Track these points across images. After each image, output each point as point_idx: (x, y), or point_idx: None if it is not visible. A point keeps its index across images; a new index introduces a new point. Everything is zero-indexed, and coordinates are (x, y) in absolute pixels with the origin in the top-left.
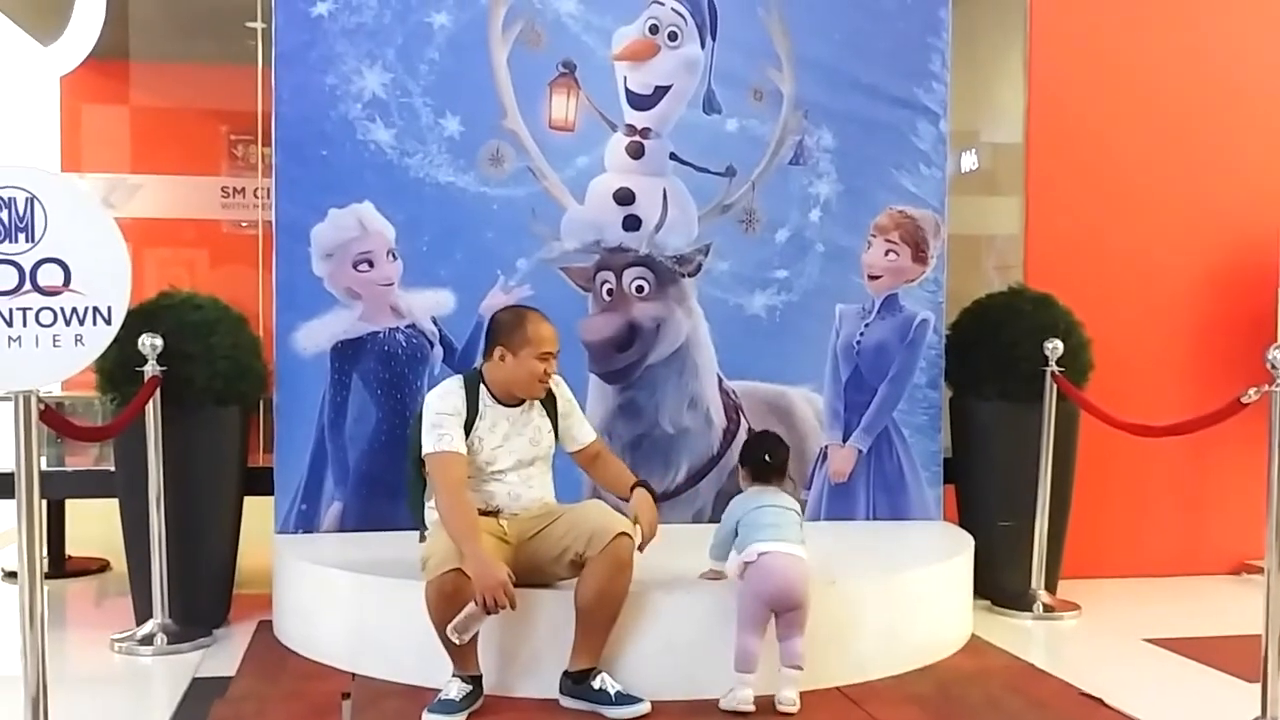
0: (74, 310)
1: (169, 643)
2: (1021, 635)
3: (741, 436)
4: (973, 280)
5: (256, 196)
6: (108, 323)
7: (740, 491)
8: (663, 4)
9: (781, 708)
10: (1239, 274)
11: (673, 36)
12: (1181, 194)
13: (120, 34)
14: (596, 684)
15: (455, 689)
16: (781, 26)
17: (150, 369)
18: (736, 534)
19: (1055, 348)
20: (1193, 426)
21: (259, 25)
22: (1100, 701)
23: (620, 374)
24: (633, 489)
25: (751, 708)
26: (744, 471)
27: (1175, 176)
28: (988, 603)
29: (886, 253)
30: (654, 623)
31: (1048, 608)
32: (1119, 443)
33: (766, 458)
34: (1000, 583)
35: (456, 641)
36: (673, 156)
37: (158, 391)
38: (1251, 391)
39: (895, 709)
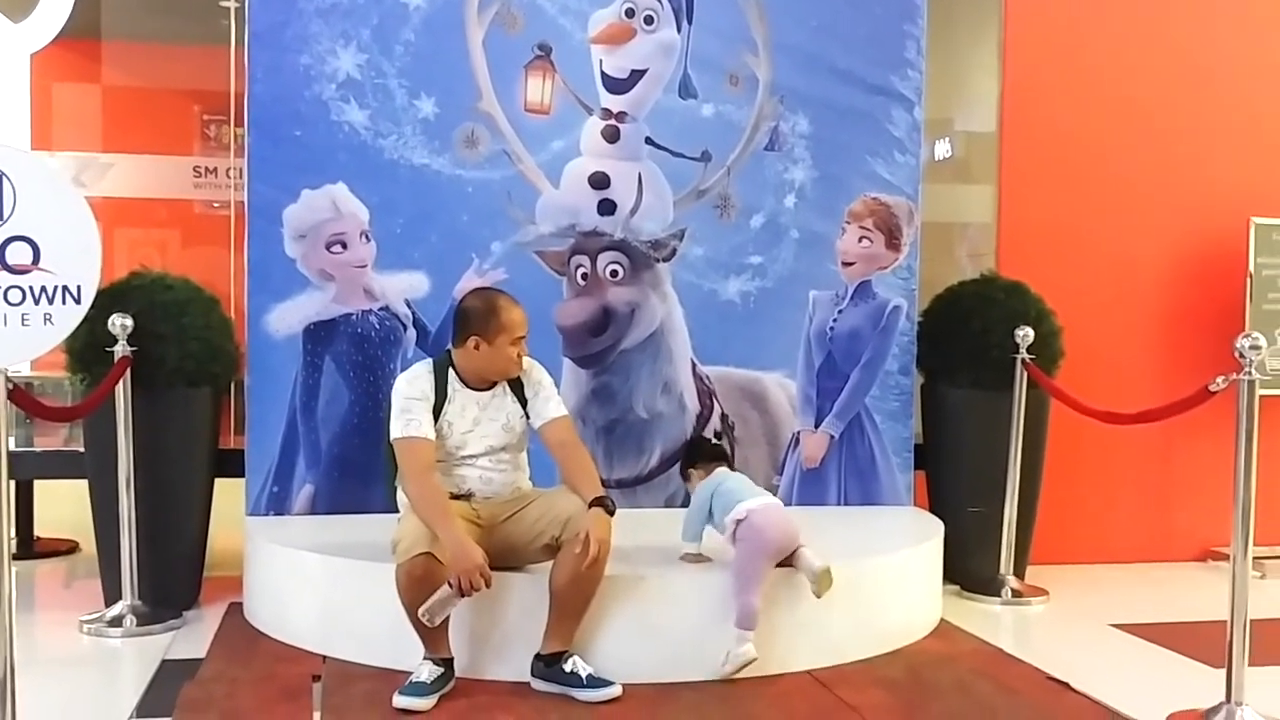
0: (43, 289)
1: (138, 625)
2: (990, 620)
3: (715, 422)
4: (945, 268)
5: (229, 177)
6: (77, 302)
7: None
8: None
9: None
10: (1208, 264)
11: (649, 20)
12: (1152, 184)
13: (92, 12)
14: (568, 667)
15: (426, 671)
16: (758, 12)
17: (120, 349)
18: (711, 512)
19: (1026, 335)
20: (1161, 414)
21: (232, 4)
22: (1067, 686)
23: (594, 359)
24: (591, 505)
25: (756, 656)
26: (697, 471)
27: (1146, 167)
28: (957, 588)
29: (860, 239)
30: (626, 606)
31: (1016, 593)
32: (1088, 430)
33: (712, 442)
34: (970, 568)
35: (428, 624)
36: (648, 141)
37: (128, 372)
38: (1219, 380)
39: (865, 692)
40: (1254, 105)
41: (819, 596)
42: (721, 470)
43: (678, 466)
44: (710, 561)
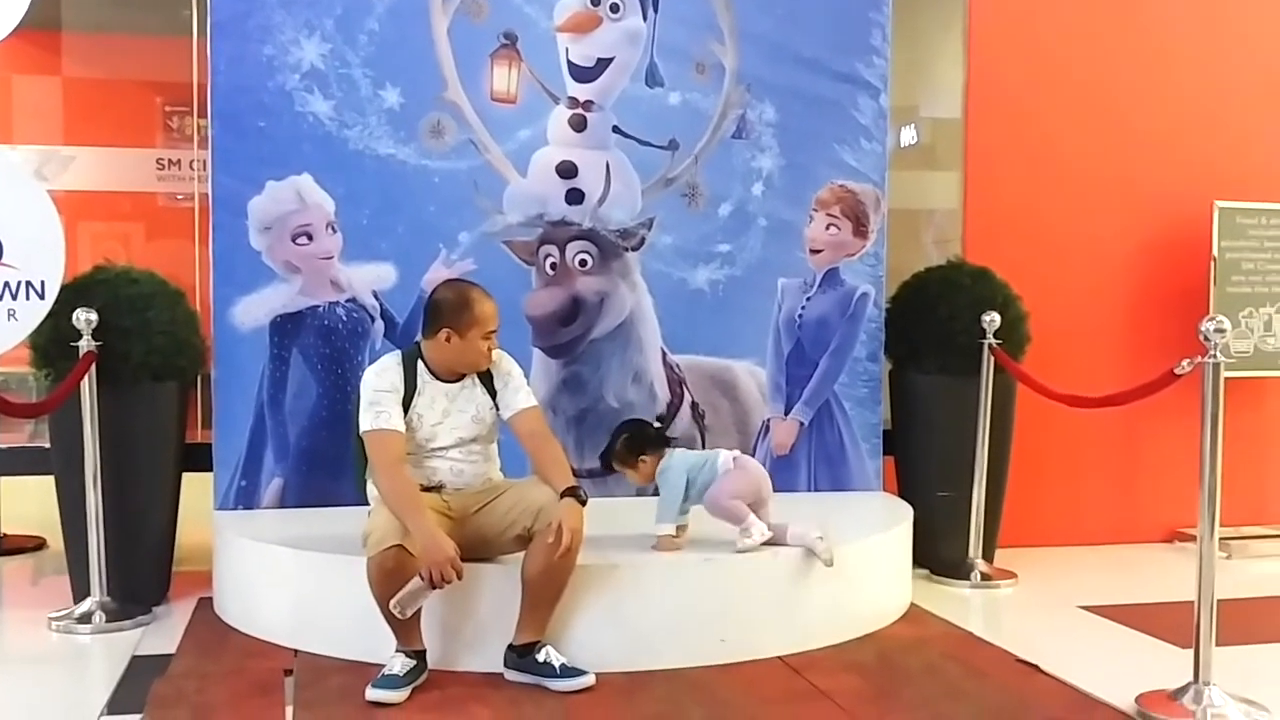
0: (6, 285)
1: (108, 621)
2: (960, 604)
3: (685, 411)
4: (912, 254)
5: (193, 169)
6: (41, 297)
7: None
8: None
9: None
10: (1172, 248)
11: (615, 9)
12: (1117, 169)
13: (52, 3)
14: (541, 657)
15: (399, 664)
16: (724, 0)
17: (85, 344)
18: (687, 492)
19: (993, 321)
20: (1127, 398)
21: None
22: (1037, 668)
23: (564, 348)
24: (563, 495)
25: (770, 534)
26: (648, 456)
27: (1111, 152)
28: (927, 572)
29: (828, 227)
30: (599, 596)
31: (985, 576)
32: (1055, 414)
33: (657, 425)
34: (939, 552)
35: (400, 616)
36: (616, 129)
37: (93, 367)
38: (1185, 363)
39: (837, 677)
40: (1217, 90)
41: (830, 564)
42: (676, 452)
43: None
44: (687, 538)
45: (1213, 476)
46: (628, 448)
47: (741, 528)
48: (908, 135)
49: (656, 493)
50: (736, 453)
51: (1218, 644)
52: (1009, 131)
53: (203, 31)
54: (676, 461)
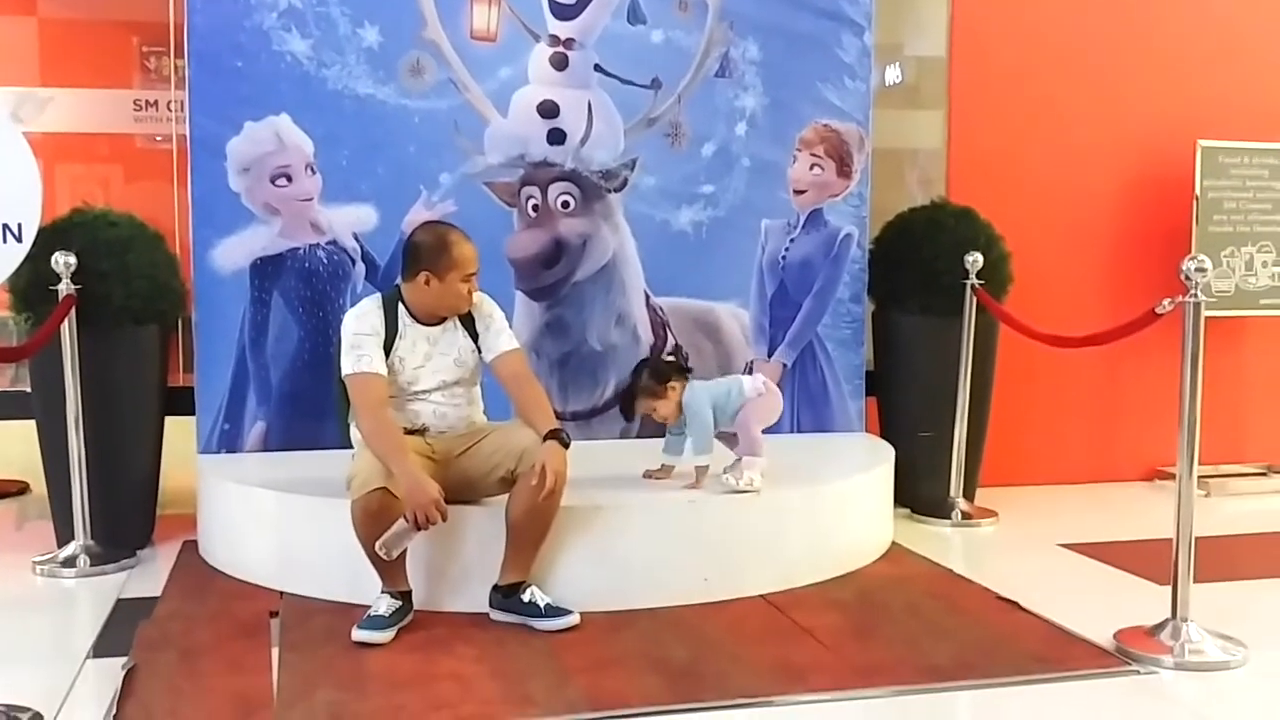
0: None
1: (92, 564)
2: (941, 542)
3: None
4: (896, 194)
5: (170, 110)
6: (19, 240)
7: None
8: None
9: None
10: (1155, 189)
11: None
12: (1100, 109)
13: None
14: (526, 597)
15: (384, 605)
16: None
17: (64, 288)
18: (715, 419)
19: (975, 261)
20: (1108, 337)
21: None
22: (1017, 605)
23: (547, 291)
24: (546, 438)
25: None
26: (675, 383)
27: (1094, 92)
28: (908, 511)
29: (811, 167)
30: (582, 537)
31: (966, 515)
32: (1037, 354)
33: (675, 359)
34: (920, 492)
35: (385, 558)
36: (597, 68)
37: (73, 311)
38: (1166, 302)
39: (819, 615)
40: (1200, 30)
41: (754, 490)
42: (694, 383)
43: (641, 389)
44: (671, 473)
45: (1192, 415)
46: (654, 378)
47: (743, 460)
48: (892, 74)
49: (648, 430)
50: (763, 377)
51: (1195, 581)
52: (993, 71)
53: None
54: (699, 392)
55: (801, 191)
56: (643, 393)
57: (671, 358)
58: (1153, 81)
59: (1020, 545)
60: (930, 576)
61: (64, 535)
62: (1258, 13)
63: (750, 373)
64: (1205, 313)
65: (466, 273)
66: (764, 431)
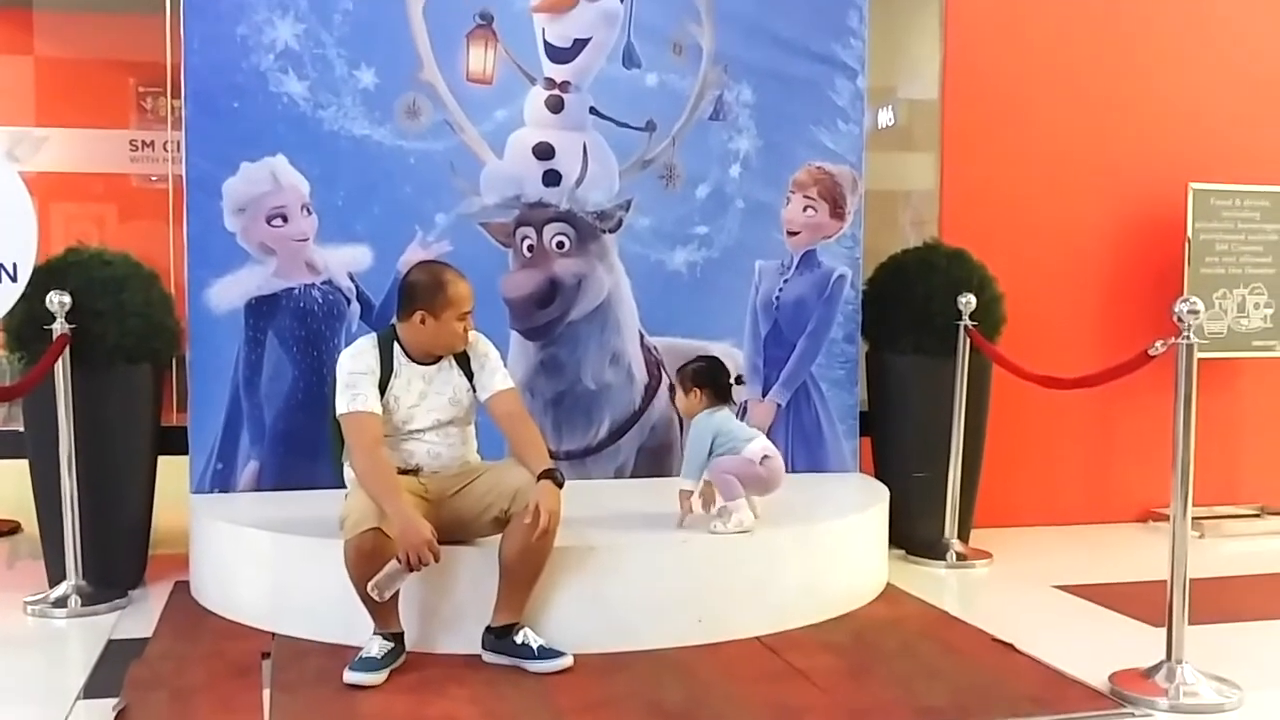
0: None
1: (83, 605)
2: (935, 583)
3: (663, 393)
4: (889, 236)
5: (166, 150)
6: (13, 280)
7: (687, 411)
8: None
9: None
10: (1147, 229)
11: None
12: (1092, 151)
13: None
14: (519, 639)
15: (377, 646)
16: None
17: (59, 327)
18: (712, 449)
19: (969, 302)
20: (1101, 379)
21: None
22: (1011, 647)
23: (541, 330)
24: (540, 477)
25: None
26: (701, 393)
27: (1086, 134)
28: (903, 552)
29: (805, 209)
30: (576, 577)
31: (961, 556)
32: (1030, 395)
33: (728, 382)
34: (915, 532)
35: (377, 599)
36: (593, 110)
37: (67, 350)
38: (1158, 344)
39: (814, 657)
40: (1192, 73)
41: (748, 530)
42: (716, 410)
43: (678, 374)
44: (695, 514)
45: (1186, 457)
46: (693, 375)
47: (726, 506)
48: (885, 117)
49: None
50: (772, 453)
51: (1190, 622)
52: (985, 113)
53: (176, 11)
54: (713, 420)
55: (795, 233)
56: (681, 374)
57: (734, 380)
58: (1144, 124)
59: (1015, 586)
60: (925, 618)
61: (55, 575)
62: (1247, 58)
63: (745, 414)
64: (1198, 354)
65: (462, 311)
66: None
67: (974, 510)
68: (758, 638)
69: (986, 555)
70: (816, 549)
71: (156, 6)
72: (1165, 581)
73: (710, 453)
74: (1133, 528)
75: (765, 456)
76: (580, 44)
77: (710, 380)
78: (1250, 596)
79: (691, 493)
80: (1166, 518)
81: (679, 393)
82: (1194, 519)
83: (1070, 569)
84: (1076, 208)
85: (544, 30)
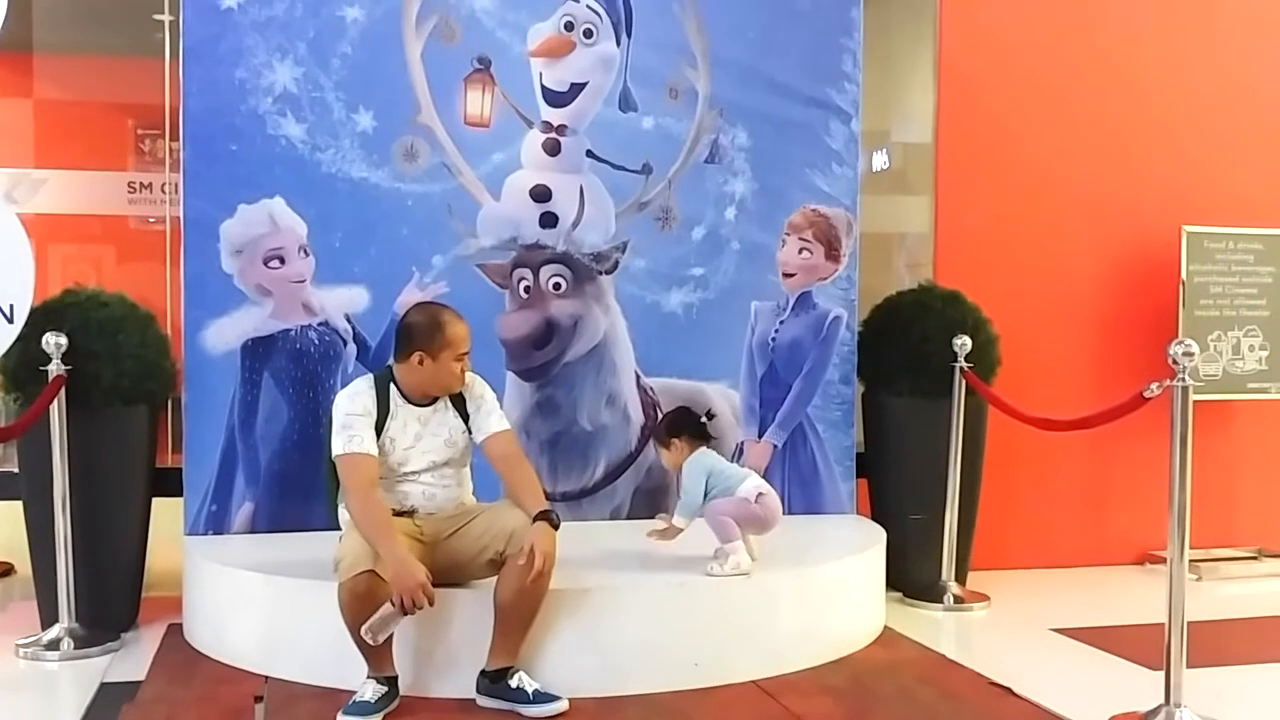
0: None
1: (76, 647)
2: (933, 626)
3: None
4: (884, 278)
5: (164, 192)
6: (10, 321)
7: (666, 459)
8: (578, 1)
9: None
10: (1141, 272)
11: (588, 34)
12: (1086, 194)
13: (24, 25)
14: (514, 682)
15: (370, 690)
16: (697, 25)
17: (55, 368)
18: (707, 490)
19: (964, 344)
20: (1097, 421)
21: (166, 17)
22: (1009, 690)
23: (538, 371)
24: (535, 519)
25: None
26: (680, 442)
27: (1080, 177)
28: (900, 594)
29: (800, 250)
30: (571, 620)
31: (958, 599)
32: (1026, 437)
33: (703, 420)
34: (912, 575)
35: (371, 642)
36: (589, 153)
37: (63, 391)
38: (1154, 386)
39: (810, 701)
40: (1184, 116)
41: (745, 573)
42: (706, 452)
43: (653, 437)
44: (676, 534)
45: (1182, 499)
46: (666, 428)
47: (722, 549)
48: (879, 160)
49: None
50: (764, 490)
51: (1189, 666)
52: (979, 156)
53: (175, 54)
54: (704, 461)
55: (790, 274)
56: (655, 434)
57: (704, 419)
58: (1138, 167)
59: (1012, 629)
60: (922, 661)
61: (48, 617)
62: (1239, 101)
63: (741, 454)
64: (1193, 397)
65: (459, 352)
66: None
67: (971, 552)
68: (754, 681)
69: (984, 598)
70: (813, 592)
71: (156, 50)
72: (1163, 624)
73: (705, 493)
74: (1130, 570)
75: (760, 494)
76: (577, 88)
77: (683, 426)
78: (1248, 640)
79: (681, 530)
80: (1164, 560)
81: (660, 451)
82: (1191, 561)
83: (1068, 612)
84: (1071, 250)
85: (541, 74)
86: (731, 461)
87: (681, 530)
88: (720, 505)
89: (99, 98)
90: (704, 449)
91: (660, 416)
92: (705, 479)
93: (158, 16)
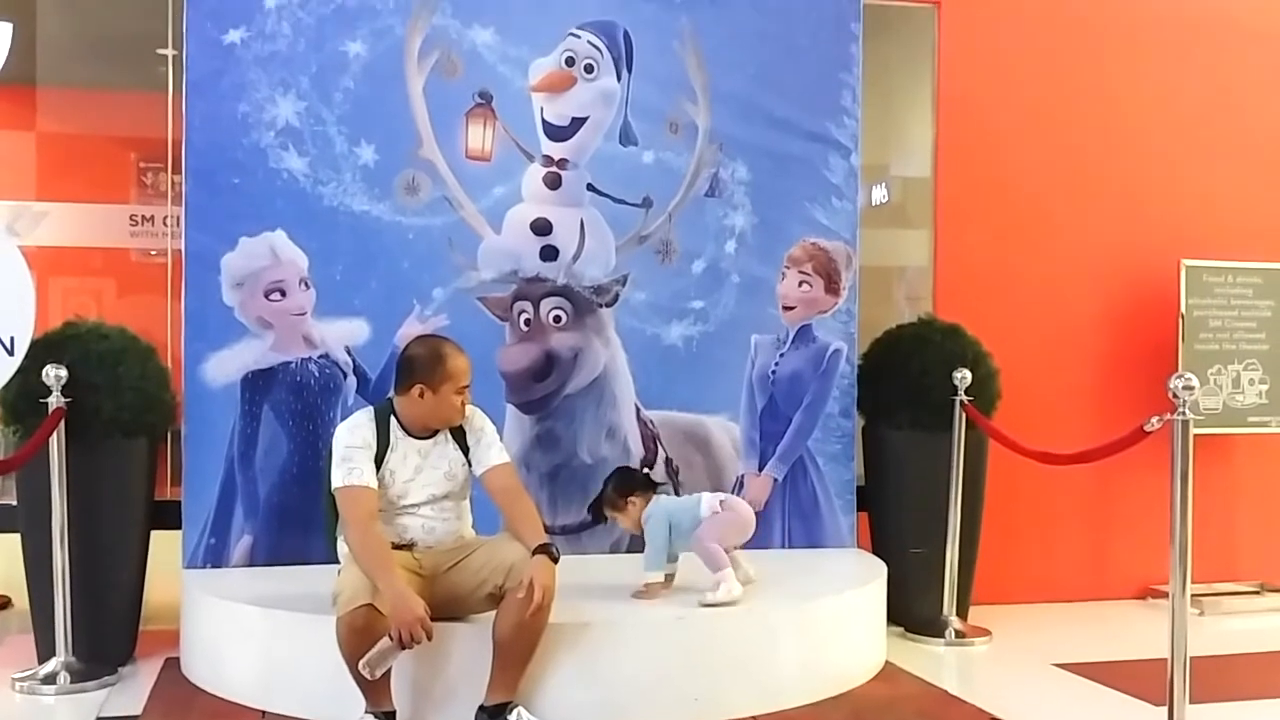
0: None
1: (73, 681)
2: (934, 661)
3: (659, 467)
4: (884, 311)
5: (166, 225)
6: (10, 353)
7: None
8: (579, 37)
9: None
10: (1141, 305)
11: (589, 69)
12: (1085, 228)
13: (28, 59)
14: (513, 718)
15: None
16: (697, 60)
17: (54, 400)
18: (671, 537)
19: (964, 377)
20: (1098, 455)
21: (170, 52)
22: None
23: (538, 404)
24: (535, 552)
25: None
26: (635, 498)
27: (1079, 211)
28: (901, 629)
29: (800, 284)
30: (571, 654)
31: (959, 634)
32: (1027, 470)
33: (647, 473)
34: (913, 609)
35: (369, 677)
36: (590, 187)
37: (62, 423)
38: (1154, 420)
39: None
40: (1183, 151)
41: (734, 601)
42: (660, 498)
43: (603, 508)
44: (671, 585)
45: (1183, 533)
46: (616, 490)
47: (715, 579)
48: (878, 194)
49: (638, 545)
50: (722, 496)
51: (1191, 701)
52: (978, 190)
53: (178, 88)
54: (659, 508)
55: (790, 307)
56: (606, 502)
57: (644, 471)
58: (1136, 201)
59: (1014, 665)
60: (924, 697)
61: (45, 651)
62: (1237, 136)
63: (741, 487)
64: (1194, 430)
65: (460, 385)
66: (744, 546)
67: (972, 587)
68: (754, 717)
69: (985, 633)
70: (814, 626)
71: (159, 84)
72: (1166, 659)
73: (670, 537)
74: (1132, 605)
75: (721, 501)
76: (578, 122)
77: (633, 483)
78: (1251, 675)
79: (658, 584)
80: (1166, 594)
81: (616, 517)
82: (1193, 596)
83: (1070, 647)
84: (1070, 284)
85: (542, 109)
86: (732, 494)
87: (660, 583)
88: (699, 535)
89: (102, 131)
90: (655, 497)
91: (603, 486)
92: (668, 523)
93: (161, 51)
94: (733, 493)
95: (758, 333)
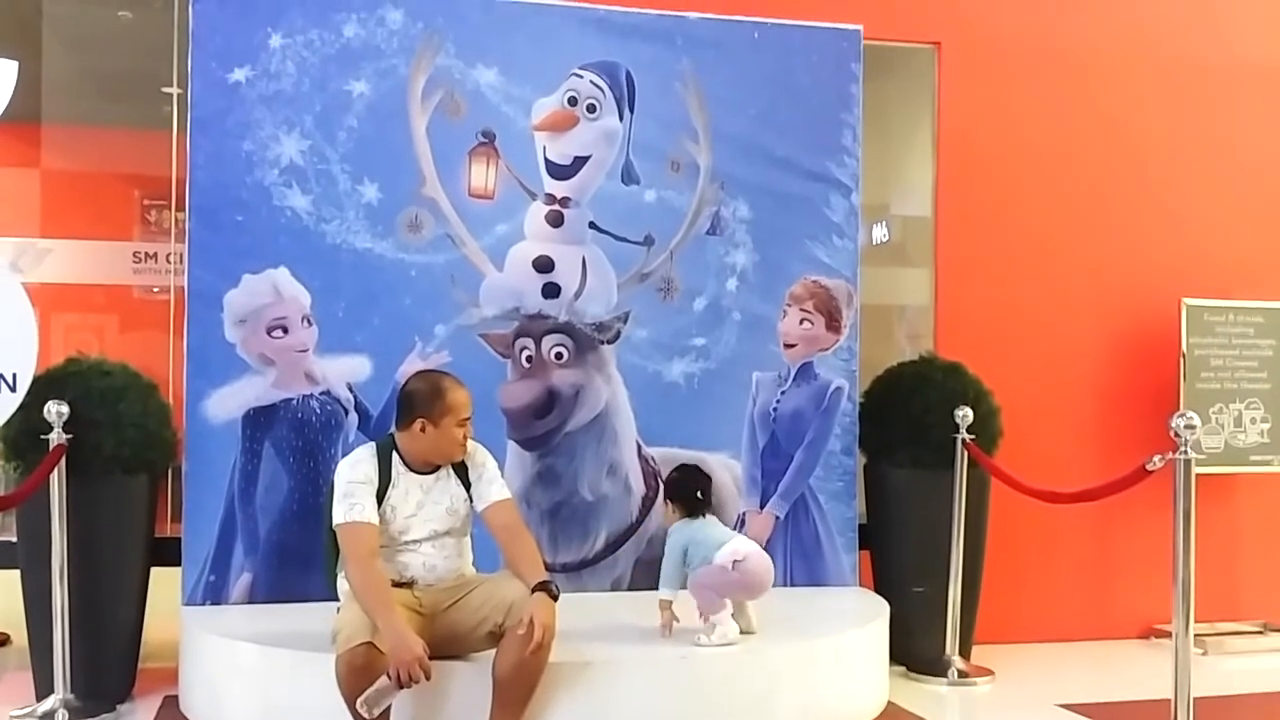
0: None
1: (71, 719)
2: (937, 701)
3: (660, 504)
4: (885, 349)
5: (169, 262)
6: (12, 389)
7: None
8: (581, 76)
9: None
10: (1142, 344)
11: (591, 109)
12: (1085, 267)
13: (32, 96)
14: None
15: None
16: (698, 100)
17: (56, 437)
18: (686, 559)
19: (965, 415)
20: (1100, 493)
21: (174, 90)
22: None
23: (539, 441)
24: (535, 590)
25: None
26: (673, 506)
27: (1079, 250)
28: (904, 668)
29: (801, 321)
30: (571, 693)
31: (962, 673)
32: (1029, 509)
33: (699, 494)
34: (915, 648)
35: (367, 716)
36: (592, 225)
37: (63, 460)
38: (1156, 459)
39: None
40: (1183, 190)
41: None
42: (690, 522)
43: (622, 549)
44: (677, 624)
45: (1186, 572)
46: (668, 486)
47: (708, 622)
48: (879, 232)
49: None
50: (745, 555)
51: None
52: (978, 229)
53: (183, 126)
54: (683, 533)
55: (792, 345)
56: (664, 487)
57: (700, 487)
58: (1137, 240)
59: (1018, 705)
60: None
61: (44, 688)
62: (1238, 175)
63: (743, 525)
64: (1195, 469)
65: (461, 417)
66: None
67: (975, 626)
68: None
69: (988, 673)
70: (816, 665)
71: (164, 122)
72: (1169, 700)
73: (686, 563)
74: (1135, 644)
75: (736, 561)
76: (580, 161)
77: (679, 493)
78: (1256, 715)
79: (671, 602)
80: (1169, 634)
81: (663, 509)
82: (1196, 635)
83: (1073, 687)
84: (1071, 322)
85: (545, 148)
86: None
87: (670, 602)
88: (699, 576)
89: (106, 169)
90: (686, 521)
91: (675, 469)
92: (684, 550)
93: (166, 89)
94: (734, 529)
95: (759, 370)
